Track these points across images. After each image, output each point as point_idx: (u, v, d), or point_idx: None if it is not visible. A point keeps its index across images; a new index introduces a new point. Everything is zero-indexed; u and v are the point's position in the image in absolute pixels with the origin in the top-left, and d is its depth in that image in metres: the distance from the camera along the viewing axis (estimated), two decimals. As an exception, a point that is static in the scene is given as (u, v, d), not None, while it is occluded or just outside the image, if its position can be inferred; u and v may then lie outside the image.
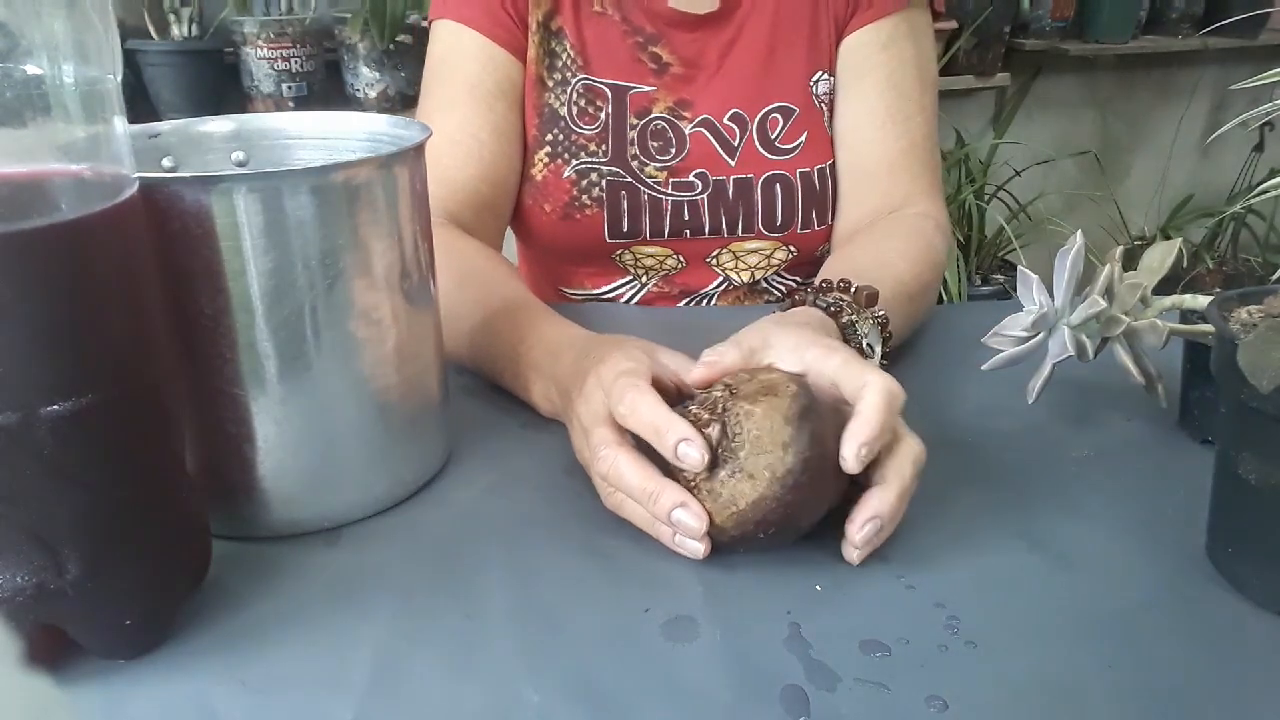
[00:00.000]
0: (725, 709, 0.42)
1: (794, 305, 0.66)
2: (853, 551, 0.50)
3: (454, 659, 0.45)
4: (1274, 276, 0.62)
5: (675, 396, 0.55)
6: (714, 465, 0.49)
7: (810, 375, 0.53)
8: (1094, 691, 0.43)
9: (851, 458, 0.48)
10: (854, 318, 0.64)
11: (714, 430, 0.49)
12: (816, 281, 0.67)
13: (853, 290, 0.65)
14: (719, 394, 0.51)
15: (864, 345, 0.63)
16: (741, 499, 0.48)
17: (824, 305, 0.64)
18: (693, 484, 0.50)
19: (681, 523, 0.50)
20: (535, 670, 0.44)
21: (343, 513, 0.55)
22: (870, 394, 0.50)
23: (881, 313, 0.65)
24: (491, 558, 0.52)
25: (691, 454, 0.49)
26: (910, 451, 0.51)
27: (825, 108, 0.92)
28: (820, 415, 0.49)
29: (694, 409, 0.51)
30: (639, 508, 0.52)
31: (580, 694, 0.43)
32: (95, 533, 0.41)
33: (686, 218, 0.92)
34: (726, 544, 0.50)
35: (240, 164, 0.61)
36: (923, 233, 0.83)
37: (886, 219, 0.87)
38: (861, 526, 0.49)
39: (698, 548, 0.50)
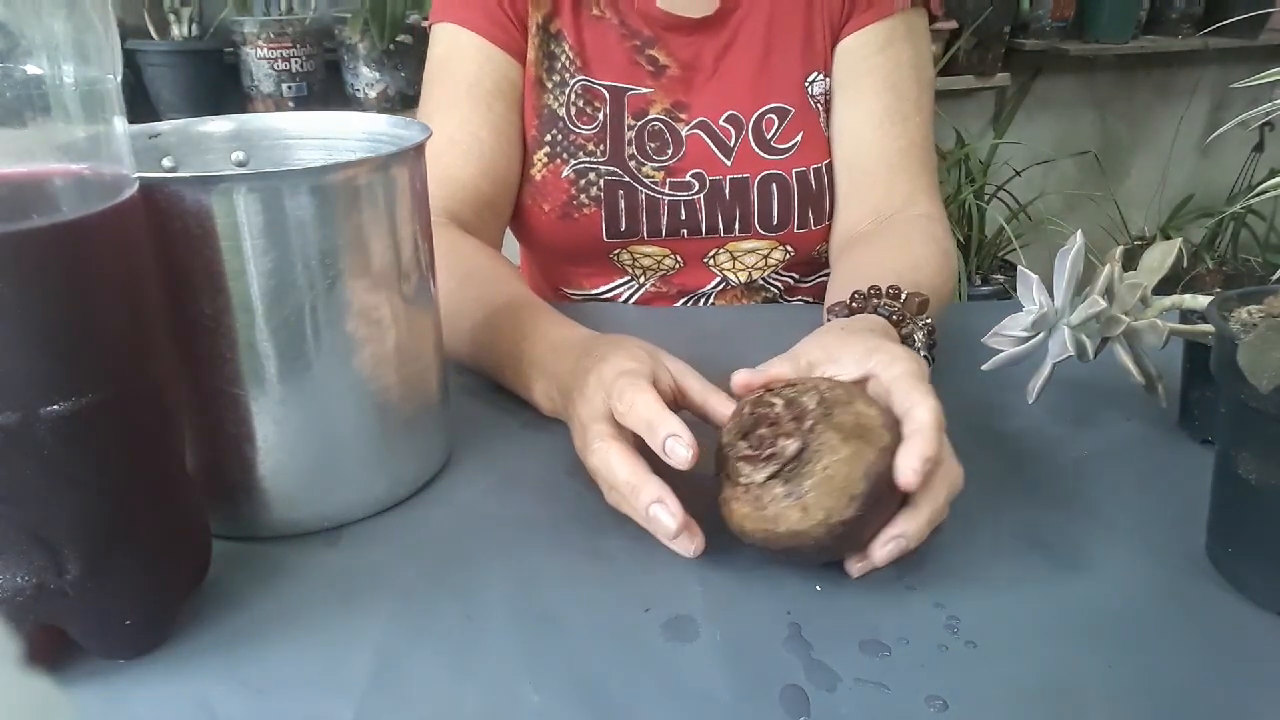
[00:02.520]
0: (725, 709, 0.42)
1: (853, 312, 0.65)
2: (855, 565, 0.49)
3: (454, 659, 0.45)
4: (1274, 276, 0.62)
5: (673, 401, 0.55)
6: (774, 476, 0.48)
7: (871, 382, 0.53)
8: (1094, 691, 0.43)
9: (912, 473, 0.47)
10: (911, 327, 0.63)
11: (792, 445, 0.48)
12: (864, 288, 0.66)
13: (904, 298, 0.65)
14: (813, 408, 0.49)
15: (920, 355, 0.62)
16: (783, 524, 0.47)
17: (886, 314, 0.64)
18: (744, 483, 0.48)
19: (656, 519, 0.50)
20: (535, 670, 0.44)
21: (343, 513, 0.55)
22: (922, 413, 0.49)
23: (929, 320, 0.65)
24: (491, 558, 0.52)
25: (679, 450, 0.49)
26: (947, 477, 0.50)
27: (821, 108, 0.92)
28: (892, 468, 0.48)
29: (778, 407, 0.49)
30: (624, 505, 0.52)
31: (580, 694, 0.43)
32: (95, 533, 0.41)
33: (684, 217, 0.92)
34: (741, 542, 0.49)
35: (240, 164, 0.61)
36: (936, 237, 0.83)
37: (896, 221, 0.87)
38: (885, 544, 0.48)
39: (688, 546, 0.50)
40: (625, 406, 0.52)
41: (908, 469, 0.47)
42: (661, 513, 0.49)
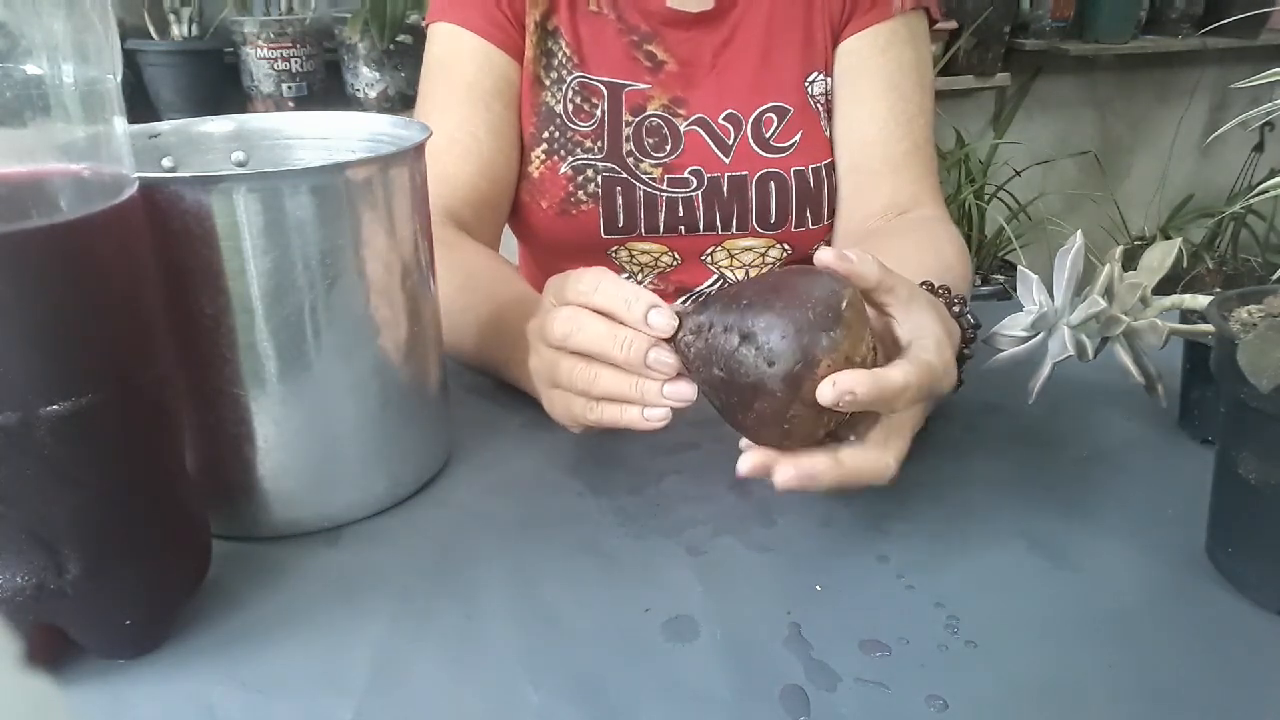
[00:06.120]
0: (725, 709, 0.42)
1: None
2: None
3: (454, 659, 0.45)
4: (1274, 276, 0.62)
5: None
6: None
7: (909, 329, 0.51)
8: (1094, 691, 0.43)
9: (830, 398, 0.45)
10: (961, 308, 0.63)
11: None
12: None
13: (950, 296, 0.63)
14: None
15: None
16: (811, 443, 0.48)
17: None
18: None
19: (659, 362, 0.49)
20: (535, 670, 0.44)
21: (343, 513, 0.55)
22: (895, 371, 0.47)
23: (971, 320, 0.63)
24: (491, 558, 0.52)
25: (661, 320, 0.49)
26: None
27: (821, 108, 0.92)
28: None
29: (868, 345, 0.48)
30: (601, 409, 0.52)
31: (580, 694, 0.43)
32: (95, 533, 0.41)
33: (681, 214, 0.93)
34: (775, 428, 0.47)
35: (240, 164, 0.61)
36: (954, 237, 0.84)
37: (914, 221, 0.87)
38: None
39: (666, 413, 0.50)
40: (588, 285, 0.52)
41: (829, 394, 0.45)
42: (662, 354, 0.49)
